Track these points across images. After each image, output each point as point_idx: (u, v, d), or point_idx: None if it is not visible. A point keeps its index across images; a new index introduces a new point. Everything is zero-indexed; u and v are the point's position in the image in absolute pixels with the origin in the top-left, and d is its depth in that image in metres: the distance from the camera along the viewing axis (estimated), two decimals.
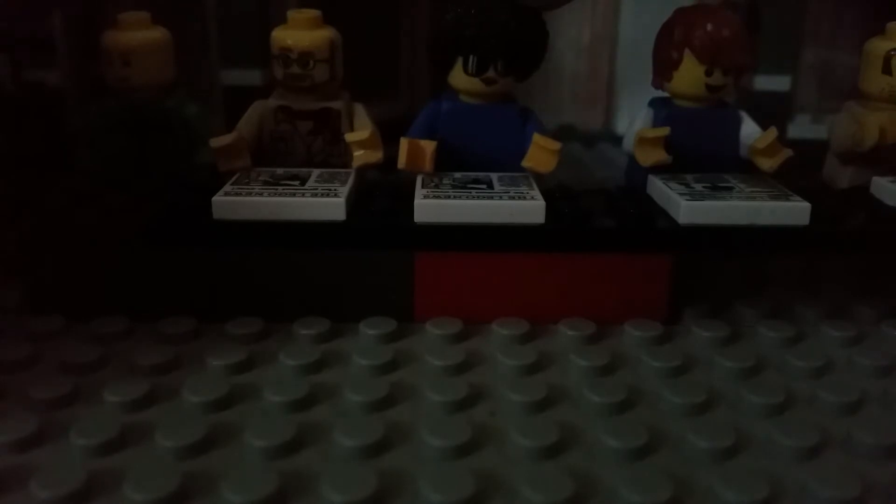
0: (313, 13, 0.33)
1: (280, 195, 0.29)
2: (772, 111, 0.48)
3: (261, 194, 0.29)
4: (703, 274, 0.32)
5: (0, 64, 0.45)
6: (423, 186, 0.30)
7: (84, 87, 0.45)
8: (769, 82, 0.52)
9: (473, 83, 0.32)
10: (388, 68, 0.54)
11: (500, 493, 0.21)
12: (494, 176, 0.32)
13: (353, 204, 0.30)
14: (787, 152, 0.32)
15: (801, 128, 0.52)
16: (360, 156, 0.32)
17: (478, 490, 0.21)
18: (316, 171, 0.32)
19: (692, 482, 0.22)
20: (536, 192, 0.30)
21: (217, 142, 0.31)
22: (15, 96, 0.45)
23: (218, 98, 0.51)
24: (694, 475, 0.22)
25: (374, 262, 0.30)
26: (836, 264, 0.34)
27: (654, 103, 0.34)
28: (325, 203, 0.29)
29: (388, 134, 0.32)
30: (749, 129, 0.33)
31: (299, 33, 0.32)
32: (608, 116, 0.60)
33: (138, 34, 0.33)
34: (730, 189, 0.31)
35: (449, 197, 0.29)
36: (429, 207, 0.29)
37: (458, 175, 0.32)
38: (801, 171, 0.33)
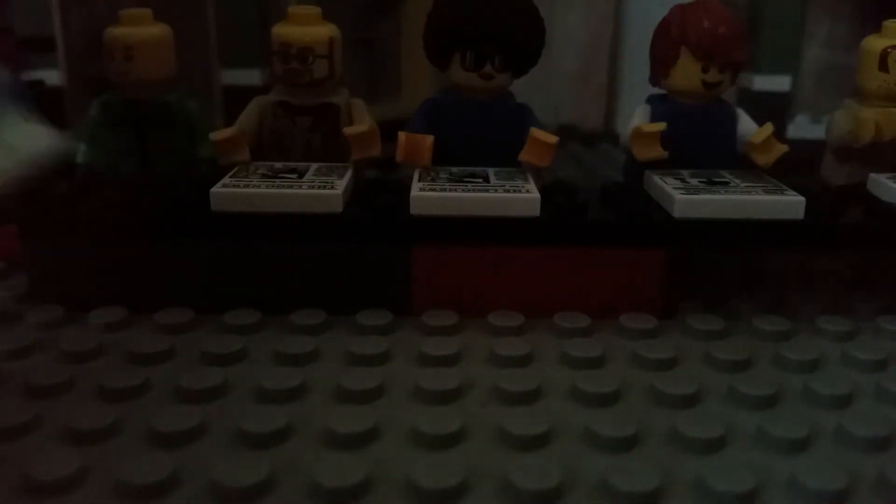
0: (313, 9, 0.33)
1: (278, 187, 0.29)
2: (772, 111, 0.48)
3: (258, 186, 0.29)
4: (697, 268, 0.32)
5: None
6: (419, 180, 0.30)
7: (85, 82, 0.46)
8: (769, 82, 0.52)
9: (471, 78, 0.32)
10: (389, 68, 0.54)
11: (490, 480, 0.21)
12: (491, 170, 0.32)
13: (350, 197, 0.30)
14: (783, 148, 0.32)
15: (801, 128, 0.52)
16: (358, 150, 0.32)
17: (467, 478, 0.21)
18: (314, 166, 0.32)
19: (680, 472, 0.22)
20: (532, 186, 0.30)
21: (217, 135, 0.32)
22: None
23: (217, 97, 0.51)
24: (682, 465, 0.22)
25: (371, 255, 0.30)
26: (831, 259, 0.34)
27: (651, 100, 0.34)
28: (322, 195, 0.29)
29: (387, 133, 0.33)
30: (745, 126, 0.33)
31: (299, 29, 0.33)
32: (608, 116, 0.61)
33: (140, 29, 0.33)
34: (725, 184, 0.31)
35: (445, 190, 0.29)
36: (425, 200, 0.29)
37: (454, 169, 0.32)
38: (799, 169, 0.33)
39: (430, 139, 0.31)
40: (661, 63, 0.33)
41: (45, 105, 0.47)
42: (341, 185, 0.30)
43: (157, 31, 0.34)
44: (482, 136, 0.33)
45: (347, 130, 0.32)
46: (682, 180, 0.31)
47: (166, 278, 0.30)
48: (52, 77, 0.49)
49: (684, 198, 0.30)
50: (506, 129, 0.33)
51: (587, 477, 0.22)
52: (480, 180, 0.31)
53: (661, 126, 0.32)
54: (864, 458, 0.23)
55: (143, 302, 0.30)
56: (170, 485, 0.21)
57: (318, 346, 0.28)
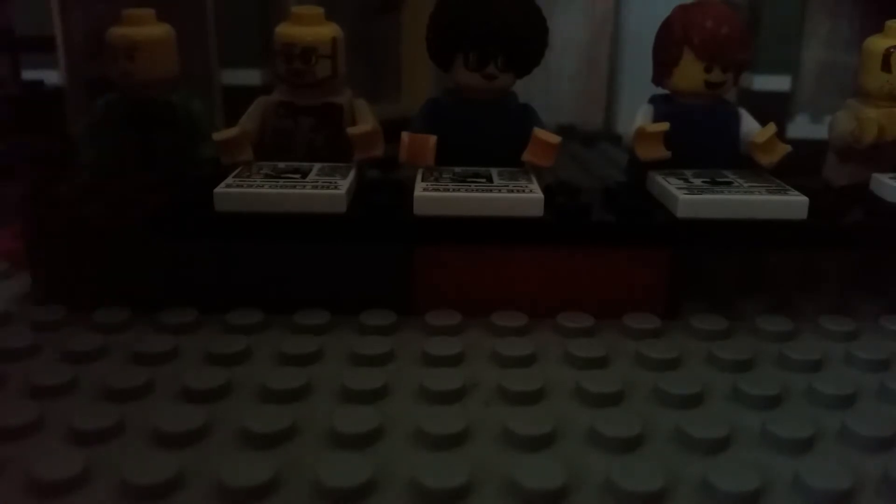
0: (317, 10, 0.33)
1: (281, 188, 0.29)
2: (772, 111, 0.48)
3: (262, 186, 0.29)
4: (701, 268, 0.32)
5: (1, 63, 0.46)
6: (423, 180, 0.30)
7: (86, 82, 0.46)
8: (769, 82, 0.52)
9: (474, 79, 0.32)
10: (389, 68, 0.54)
11: (494, 481, 0.21)
12: (494, 170, 0.32)
13: (353, 197, 0.30)
14: (786, 148, 0.32)
15: (801, 128, 0.53)
16: (361, 150, 0.32)
17: (472, 478, 0.21)
18: (317, 165, 0.32)
19: (684, 472, 0.22)
20: (535, 186, 0.30)
21: (220, 135, 0.32)
22: (18, 94, 0.46)
23: (217, 97, 0.51)
24: (686, 465, 0.22)
25: (374, 255, 0.30)
26: (834, 259, 0.34)
27: (654, 100, 0.35)
28: (325, 195, 0.29)
29: (387, 133, 0.33)
30: (748, 126, 0.33)
31: (302, 29, 0.33)
32: (608, 116, 0.61)
33: (142, 29, 0.33)
34: (728, 184, 0.31)
35: (448, 190, 0.29)
36: (428, 200, 0.29)
37: (457, 169, 0.32)
38: (800, 170, 0.33)
39: (433, 139, 0.31)
40: (663, 63, 0.34)
41: (45, 105, 0.48)
42: (345, 185, 0.30)
43: (159, 31, 0.34)
44: (485, 137, 0.33)
45: (351, 130, 0.32)
46: (686, 180, 0.31)
47: (170, 278, 0.30)
48: (52, 77, 0.49)
49: (687, 198, 0.30)
50: (509, 129, 0.33)
51: (592, 477, 0.22)
52: (484, 180, 0.31)
53: (664, 126, 0.32)
54: (869, 457, 0.23)
55: (147, 302, 0.30)
56: (174, 485, 0.21)
57: (322, 346, 0.28)
